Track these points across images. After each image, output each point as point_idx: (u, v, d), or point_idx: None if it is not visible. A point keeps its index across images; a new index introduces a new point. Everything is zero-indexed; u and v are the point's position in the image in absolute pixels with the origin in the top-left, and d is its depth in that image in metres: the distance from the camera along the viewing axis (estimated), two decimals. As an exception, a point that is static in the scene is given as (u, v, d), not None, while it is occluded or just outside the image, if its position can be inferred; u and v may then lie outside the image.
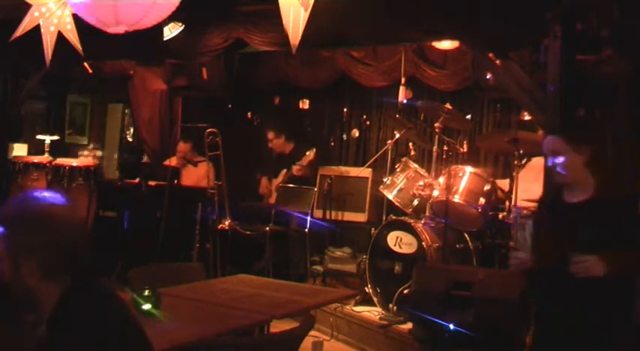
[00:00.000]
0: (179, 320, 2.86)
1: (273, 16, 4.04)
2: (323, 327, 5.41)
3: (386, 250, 5.33)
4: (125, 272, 3.79)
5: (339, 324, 5.42)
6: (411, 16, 4.55)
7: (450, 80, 6.19)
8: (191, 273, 3.98)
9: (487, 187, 5.12)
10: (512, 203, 4.82)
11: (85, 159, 7.35)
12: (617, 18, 3.82)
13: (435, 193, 5.28)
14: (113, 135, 9.08)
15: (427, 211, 5.48)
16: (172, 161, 7.04)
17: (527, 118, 5.61)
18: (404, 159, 5.71)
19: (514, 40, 4.34)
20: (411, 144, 6.21)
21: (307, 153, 6.69)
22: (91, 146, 8.20)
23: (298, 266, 6.41)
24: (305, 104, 7.81)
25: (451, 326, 4.25)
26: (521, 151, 4.90)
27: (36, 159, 7.17)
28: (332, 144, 7.66)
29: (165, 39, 5.37)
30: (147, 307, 2.86)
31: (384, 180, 5.70)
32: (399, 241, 5.27)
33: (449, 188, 5.07)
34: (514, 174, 4.92)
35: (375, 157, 6.63)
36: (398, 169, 5.64)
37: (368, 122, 7.35)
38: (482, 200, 5.10)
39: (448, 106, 5.51)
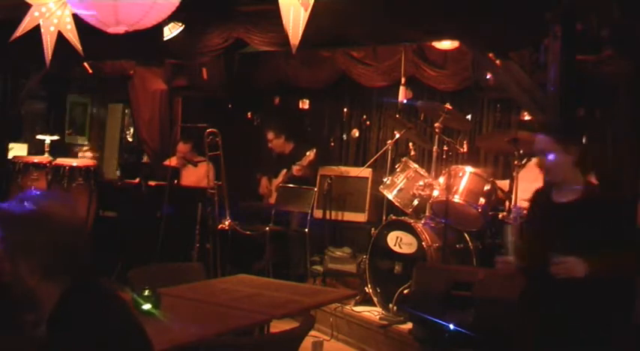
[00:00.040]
0: (179, 320, 2.85)
1: (273, 16, 4.05)
2: (323, 327, 5.40)
3: (386, 250, 5.32)
4: (125, 272, 3.78)
5: (339, 324, 5.41)
6: (411, 16, 4.55)
7: (450, 80, 6.19)
8: (191, 273, 3.98)
9: (487, 187, 5.13)
10: (512, 203, 4.82)
11: (84, 159, 7.34)
12: (617, 18, 3.82)
13: (435, 193, 5.28)
14: (113, 135, 9.09)
15: (427, 211, 5.48)
16: (172, 161, 7.04)
17: (527, 118, 5.61)
18: (404, 159, 5.71)
19: (514, 40, 4.34)
20: (411, 144, 6.21)
21: (307, 153, 6.69)
22: (85, 148, 8.18)
23: (298, 266, 6.41)
24: (305, 104, 7.82)
25: (451, 326, 4.24)
26: (521, 151, 4.90)
27: (36, 159, 7.15)
28: (332, 144, 7.67)
29: (165, 39, 5.38)
30: (147, 307, 2.86)
31: (384, 180, 5.70)
32: (399, 241, 5.27)
33: (449, 188, 5.07)
34: (514, 174, 4.92)
35: (375, 157, 6.63)
36: (398, 169, 5.64)
37: (368, 122, 7.35)
38: (482, 200, 5.10)
39: (448, 106, 5.51)
